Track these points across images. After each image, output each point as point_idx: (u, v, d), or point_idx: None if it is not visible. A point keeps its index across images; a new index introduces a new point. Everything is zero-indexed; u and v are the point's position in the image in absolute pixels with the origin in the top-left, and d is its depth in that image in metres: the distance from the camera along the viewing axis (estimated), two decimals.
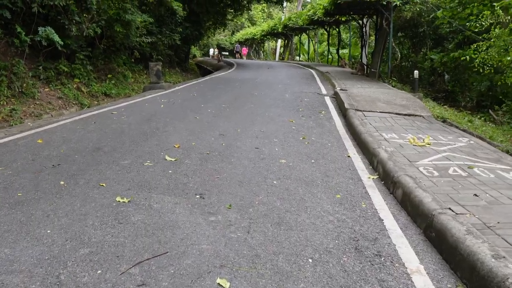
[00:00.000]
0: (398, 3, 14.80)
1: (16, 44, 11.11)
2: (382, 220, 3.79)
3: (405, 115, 8.67)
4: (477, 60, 11.93)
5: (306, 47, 42.69)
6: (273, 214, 3.81)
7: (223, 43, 60.82)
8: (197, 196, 4.17)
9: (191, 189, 4.37)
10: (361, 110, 8.82)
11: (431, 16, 18.46)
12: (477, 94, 14.90)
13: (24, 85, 11.55)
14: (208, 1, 25.84)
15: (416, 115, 8.69)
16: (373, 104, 9.53)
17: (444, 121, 8.96)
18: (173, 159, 5.42)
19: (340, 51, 29.44)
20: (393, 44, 16.04)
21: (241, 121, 8.22)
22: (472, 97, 15.08)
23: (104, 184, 4.46)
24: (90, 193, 4.21)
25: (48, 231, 3.35)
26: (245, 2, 29.50)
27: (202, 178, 4.73)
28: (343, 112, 9.35)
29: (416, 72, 12.12)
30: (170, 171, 4.94)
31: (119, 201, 3.99)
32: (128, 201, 4.01)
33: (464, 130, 7.58)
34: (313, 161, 5.65)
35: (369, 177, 5.06)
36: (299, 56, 43.41)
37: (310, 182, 4.78)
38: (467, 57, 16.13)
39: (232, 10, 31.50)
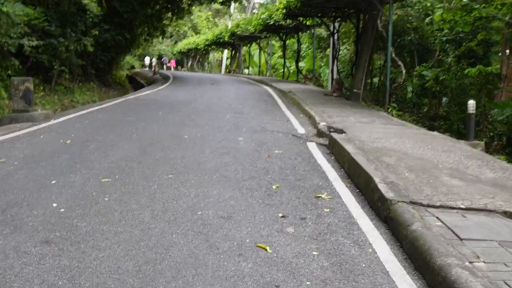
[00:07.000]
0: None
1: None
2: None
3: None
4: None
5: (255, 58, 37.84)
6: None
7: (165, 53, 55.22)
8: None
9: None
10: (423, 205, 3.72)
11: (427, 19, 14.15)
12: (508, 129, 10.48)
13: None
14: None
15: None
16: (434, 179, 4.44)
17: None
18: None
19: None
20: (393, 55, 11.28)
21: (131, 253, 2.84)
22: (501, 133, 10.59)
23: None
24: None
25: None
26: (184, 4, 24.05)
27: None
28: (370, 202, 4.25)
29: (471, 102, 7.12)
30: None
31: None
32: None
33: None
34: None
35: None
36: (248, 68, 38.52)
37: None
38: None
39: (169, 14, 25.91)
